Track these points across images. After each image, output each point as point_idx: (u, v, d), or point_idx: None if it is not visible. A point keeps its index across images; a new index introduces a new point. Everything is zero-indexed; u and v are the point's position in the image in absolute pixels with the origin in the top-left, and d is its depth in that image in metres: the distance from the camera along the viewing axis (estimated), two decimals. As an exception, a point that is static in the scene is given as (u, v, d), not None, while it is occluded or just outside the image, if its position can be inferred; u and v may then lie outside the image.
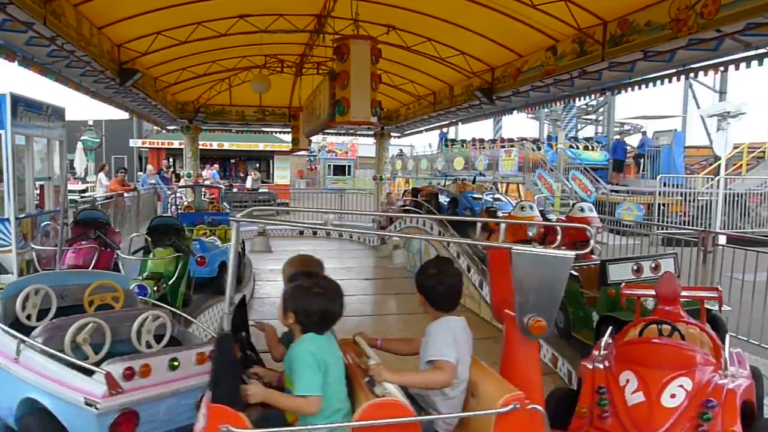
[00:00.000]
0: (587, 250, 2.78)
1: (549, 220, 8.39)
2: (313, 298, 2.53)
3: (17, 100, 7.06)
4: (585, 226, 4.83)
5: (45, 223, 7.58)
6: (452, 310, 2.80)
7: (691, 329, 3.88)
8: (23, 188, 7.46)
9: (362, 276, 10.77)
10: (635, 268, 5.54)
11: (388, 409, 2.26)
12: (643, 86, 6.92)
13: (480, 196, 10.84)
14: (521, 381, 2.48)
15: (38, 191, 7.97)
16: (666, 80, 6.49)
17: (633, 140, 24.13)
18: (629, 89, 7.25)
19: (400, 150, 29.49)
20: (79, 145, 23.03)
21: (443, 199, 11.71)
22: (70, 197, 9.35)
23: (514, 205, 9.35)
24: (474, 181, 12.98)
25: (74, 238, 5.79)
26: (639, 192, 16.88)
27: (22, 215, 7.27)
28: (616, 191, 17.10)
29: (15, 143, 7.03)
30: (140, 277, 5.63)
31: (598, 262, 6.01)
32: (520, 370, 2.57)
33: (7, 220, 7.02)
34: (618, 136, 21.39)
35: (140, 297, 4.96)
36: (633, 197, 16.08)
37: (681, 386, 3.24)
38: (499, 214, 9.16)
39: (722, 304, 4.38)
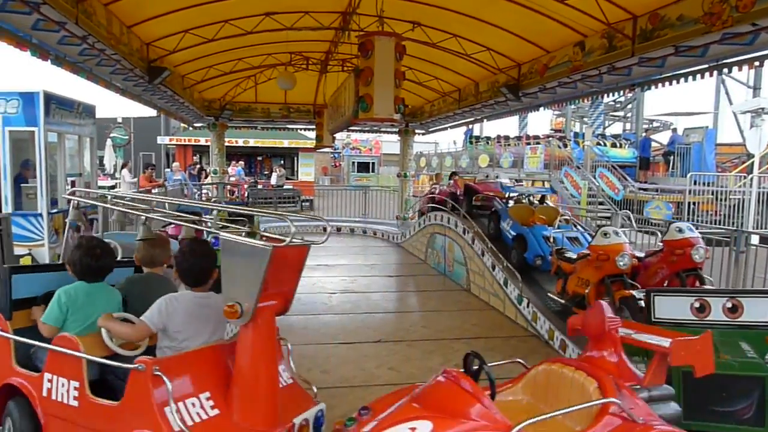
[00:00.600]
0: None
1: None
2: (75, 252, 3.17)
3: (50, 98, 7.23)
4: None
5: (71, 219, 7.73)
6: (197, 285, 3.10)
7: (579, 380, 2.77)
8: (55, 184, 7.63)
9: (386, 273, 10.77)
10: (697, 305, 4.09)
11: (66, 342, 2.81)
12: (674, 82, 6.78)
13: (550, 234, 7.74)
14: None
15: (69, 187, 8.14)
16: (698, 76, 6.35)
17: (662, 137, 23.70)
18: (659, 85, 7.10)
19: (420, 152, 29.40)
20: (109, 142, 23.48)
21: (506, 228, 8.49)
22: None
23: (593, 233, 6.83)
24: (542, 201, 9.63)
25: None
26: (668, 190, 16.56)
27: (54, 210, 7.44)
28: (645, 189, 16.81)
29: (47, 140, 7.19)
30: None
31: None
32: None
33: (40, 215, 7.20)
34: (645, 133, 20.98)
35: None
36: (662, 196, 15.78)
37: None
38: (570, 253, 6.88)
39: (676, 360, 2.81)
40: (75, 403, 2.75)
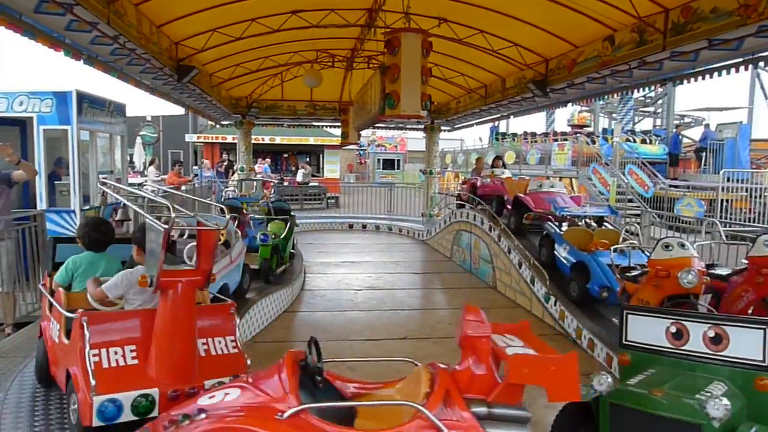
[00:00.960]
0: None
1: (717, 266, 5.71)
2: (83, 228, 3.97)
3: (82, 97, 7.39)
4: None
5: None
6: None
7: None
8: (87, 182, 7.80)
9: (411, 270, 10.77)
10: (674, 330, 3.39)
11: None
12: (707, 76, 6.62)
13: (613, 260, 6.00)
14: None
15: (101, 186, 8.29)
16: (732, 70, 6.18)
17: (694, 133, 23.18)
18: (692, 80, 6.94)
19: (443, 149, 29.27)
20: (138, 139, 23.91)
21: (563, 255, 7.27)
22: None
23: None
24: (600, 223, 8.17)
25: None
26: (700, 187, 16.20)
27: (86, 207, 7.60)
28: (676, 186, 16.47)
29: (80, 138, 7.35)
30: (264, 231, 7.68)
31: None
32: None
33: (73, 211, 7.36)
34: (675, 129, 20.56)
35: (263, 242, 7.38)
36: (694, 193, 15.45)
37: None
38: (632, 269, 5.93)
39: (513, 376, 2.31)
40: (57, 340, 3.54)
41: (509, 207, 9.42)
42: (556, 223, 7.87)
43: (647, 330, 3.49)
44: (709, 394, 2.88)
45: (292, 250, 9.02)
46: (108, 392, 2.92)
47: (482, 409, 2.30)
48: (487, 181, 10.88)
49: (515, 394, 2.33)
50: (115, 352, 3.14)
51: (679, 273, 4.49)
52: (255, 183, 13.36)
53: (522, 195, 9.04)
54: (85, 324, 3.09)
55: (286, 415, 2.15)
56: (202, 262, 3.31)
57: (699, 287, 4.52)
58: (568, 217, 8.15)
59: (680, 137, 19.89)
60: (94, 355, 3.05)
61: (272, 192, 14.00)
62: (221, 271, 5.36)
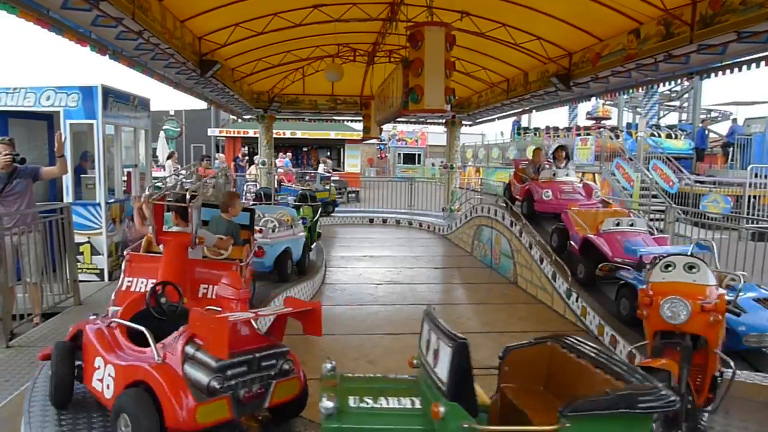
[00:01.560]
0: None
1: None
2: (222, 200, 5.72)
3: (107, 92, 7.48)
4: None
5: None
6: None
7: None
8: (112, 175, 7.91)
9: (431, 265, 10.75)
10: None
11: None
12: (735, 70, 6.48)
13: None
14: None
15: (125, 178, 8.42)
16: (762, 63, 6.05)
17: (721, 128, 22.73)
18: (719, 73, 6.80)
19: (464, 144, 29.11)
20: (162, 134, 24.19)
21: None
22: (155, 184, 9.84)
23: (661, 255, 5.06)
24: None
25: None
26: (727, 183, 15.89)
27: (112, 200, 7.71)
28: (702, 182, 16.18)
29: (105, 132, 7.45)
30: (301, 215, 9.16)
31: None
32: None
33: (98, 204, 7.47)
34: (702, 124, 20.15)
35: (303, 223, 8.79)
36: (720, 189, 15.16)
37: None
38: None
39: (191, 327, 3.03)
40: None
41: (573, 244, 7.51)
42: (632, 269, 5.89)
43: None
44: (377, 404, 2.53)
45: (318, 230, 10.50)
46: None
47: (191, 350, 2.95)
48: (549, 196, 8.60)
49: (219, 347, 2.79)
50: (144, 283, 4.49)
51: (661, 301, 3.49)
52: (318, 176, 17.80)
53: (595, 237, 6.91)
54: (128, 261, 4.67)
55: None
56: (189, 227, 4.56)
57: (692, 325, 3.41)
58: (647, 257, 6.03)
59: (707, 132, 19.51)
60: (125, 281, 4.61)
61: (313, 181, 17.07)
62: (281, 238, 7.54)
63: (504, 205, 10.12)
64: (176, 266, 4.28)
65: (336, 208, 16.72)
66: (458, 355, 2.35)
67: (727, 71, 6.61)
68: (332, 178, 19.96)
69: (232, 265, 4.79)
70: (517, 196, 9.55)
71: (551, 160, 9.54)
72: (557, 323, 7.05)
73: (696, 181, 15.86)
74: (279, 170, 18.65)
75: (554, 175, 8.88)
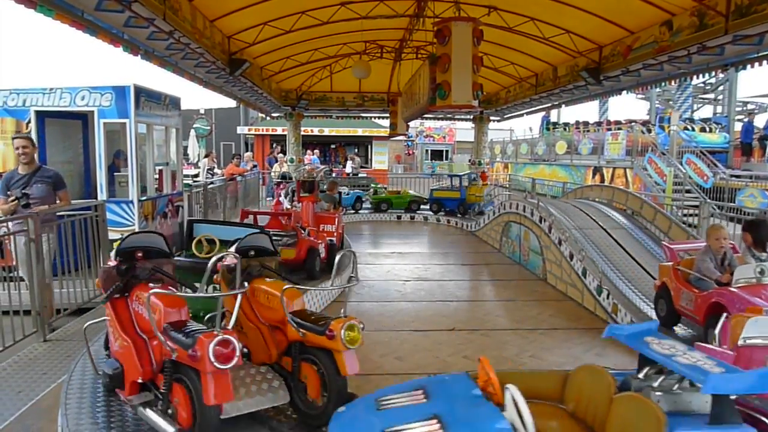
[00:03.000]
0: None
1: None
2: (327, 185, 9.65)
3: (140, 91, 7.62)
4: None
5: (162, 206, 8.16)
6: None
7: None
8: (145, 173, 8.06)
9: (459, 261, 10.70)
10: None
11: None
12: (773, 61, 6.32)
13: None
14: None
15: (157, 176, 8.57)
16: (801, 53, 5.88)
17: (758, 120, 22.09)
18: (755, 65, 6.62)
19: (492, 140, 28.86)
20: (192, 132, 24.59)
21: None
22: (184, 181, 10.01)
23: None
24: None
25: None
26: (764, 177, 15.45)
27: (144, 198, 7.86)
28: (738, 176, 15.76)
29: (138, 131, 7.60)
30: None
31: None
32: None
33: (131, 202, 7.63)
34: (747, 117, 19.58)
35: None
36: (757, 183, 14.74)
37: None
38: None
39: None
40: None
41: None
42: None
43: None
44: None
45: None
46: None
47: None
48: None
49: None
50: None
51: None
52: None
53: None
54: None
55: None
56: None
57: None
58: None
59: (753, 125, 18.93)
60: None
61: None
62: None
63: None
64: (309, 213, 7.98)
65: (363, 205, 16.71)
66: None
67: (764, 62, 6.43)
68: (359, 175, 20.09)
69: (335, 214, 8.91)
70: (687, 309, 5.46)
71: (733, 243, 5.62)
72: (587, 320, 6.95)
73: (732, 176, 15.45)
74: (306, 167, 18.79)
75: (762, 273, 4.71)
